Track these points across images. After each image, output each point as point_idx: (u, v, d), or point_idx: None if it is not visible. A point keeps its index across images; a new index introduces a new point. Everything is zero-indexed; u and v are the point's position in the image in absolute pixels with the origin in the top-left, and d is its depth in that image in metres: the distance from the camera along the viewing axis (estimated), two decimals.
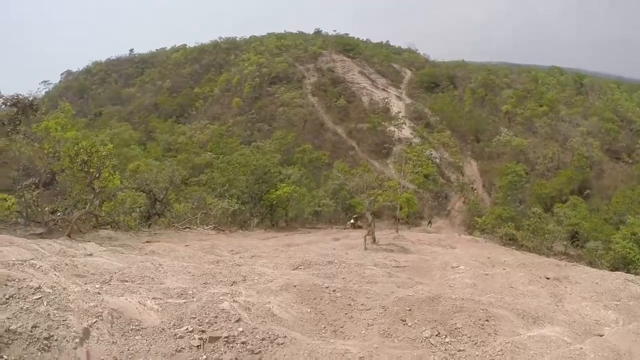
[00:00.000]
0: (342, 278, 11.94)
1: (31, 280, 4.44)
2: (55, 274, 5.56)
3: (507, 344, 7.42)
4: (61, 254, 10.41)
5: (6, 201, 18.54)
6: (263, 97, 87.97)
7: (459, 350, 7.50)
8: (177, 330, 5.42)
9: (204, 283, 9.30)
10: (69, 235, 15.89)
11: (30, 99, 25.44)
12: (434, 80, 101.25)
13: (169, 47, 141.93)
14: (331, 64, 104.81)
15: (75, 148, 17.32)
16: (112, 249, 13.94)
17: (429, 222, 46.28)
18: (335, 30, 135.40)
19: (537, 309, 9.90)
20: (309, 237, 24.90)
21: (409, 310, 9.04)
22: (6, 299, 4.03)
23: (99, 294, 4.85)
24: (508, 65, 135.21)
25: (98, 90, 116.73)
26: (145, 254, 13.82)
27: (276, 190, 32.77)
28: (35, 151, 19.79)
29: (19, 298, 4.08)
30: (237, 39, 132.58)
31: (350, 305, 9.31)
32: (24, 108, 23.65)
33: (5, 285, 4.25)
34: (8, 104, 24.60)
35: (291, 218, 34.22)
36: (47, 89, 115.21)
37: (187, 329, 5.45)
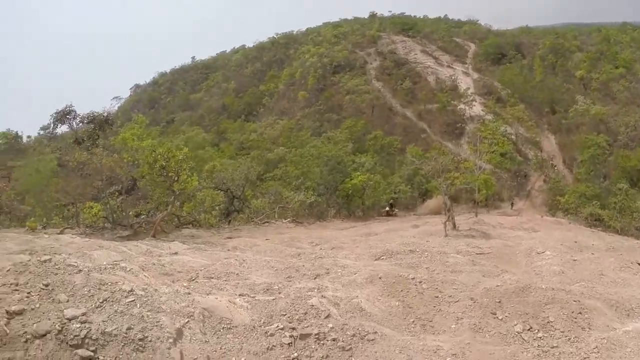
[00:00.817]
0: (426, 268, 11.58)
1: (123, 284, 4.48)
2: (145, 276, 5.62)
3: (603, 339, 6.82)
4: (148, 254, 10.70)
5: (92, 209, 19.53)
6: (328, 87, 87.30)
7: (553, 347, 6.97)
8: (267, 327, 5.35)
9: (288, 277, 9.25)
10: (153, 236, 16.75)
11: (105, 114, 26.99)
12: (499, 51, 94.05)
13: (228, 50, 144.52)
14: (392, 46, 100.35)
15: (153, 155, 18.13)
16: (195, 246, 14.28)
17: (511, 204, 43.73)
18: (391, 11, 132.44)
19: (630, 300, 9.05)
20: (387, 225, 24.53)
21: (499, 302, 8.58)
22: (100, 302, 4.07)
23: (189, 294, 4.82)
24: (576, 25, 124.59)
25: (167, 99, 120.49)
26: (228, 250, 14.03)
27: (351, 180, 32.51)
28: (115, 161, 20.97)
29: (112, 301, 4.10)
30: (294, 32, 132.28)
31: (437, 297, 8.96)
32: (100, 124, 25.18)
33: (99, 289, 4.30)
34: (85, 121, 26.20)
35: (368, 207, 33.89)
36: (119, 104, 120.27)
37: (277, 326, 5.38)
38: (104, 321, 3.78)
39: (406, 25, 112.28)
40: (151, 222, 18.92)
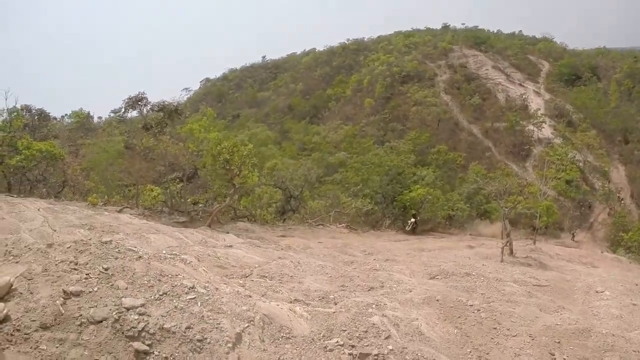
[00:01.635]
0: (481, 294, 11.02)
1: (184, 278, 4.27)
2: (203, 270, 5.42)
3: None
4: (203, 244, 10.65)
5: (152, 192, 20.17)
6: (395, 97, 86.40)
7: None
8: (327, 342, 5.06)
9: (342, 286, 8.94)
10: (209, 225, 16.91)
11: (175, 104, 27.71)
12: (574, 72, 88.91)
13: (299, 52, 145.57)
14: (463, 60, 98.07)
15: (218, 148, 18.38)
16: (249, 241, 14.21)
17: (572, 235, 41.49)
18: (464, 24, 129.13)
19: None
20: (441, 243, 23.81)
21: (558, 342, 7.99)
22: (160, 295, 3.87)
23: (250, 296, 4.59)
24: None
25: (235, 94, 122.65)
26: (282, 248, 13.86)
27: (410, 192, 31.85)
28: (180, 149, 21.44)
29: (173, 296, 3.91)
30: (365, 39, 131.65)
31: (495, 329, 8.46)
32: (169, 113, 25.90)
33: (159, 280, 4.11)
34: (155, 109, 26.99)
35: (424, 221, 33.14)
36: (188, 95, 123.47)
37: (337, 342, 5.09)
38: (162, 316, 3.57)
39: (479, 39, 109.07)
40: (208, 211, 19.30)
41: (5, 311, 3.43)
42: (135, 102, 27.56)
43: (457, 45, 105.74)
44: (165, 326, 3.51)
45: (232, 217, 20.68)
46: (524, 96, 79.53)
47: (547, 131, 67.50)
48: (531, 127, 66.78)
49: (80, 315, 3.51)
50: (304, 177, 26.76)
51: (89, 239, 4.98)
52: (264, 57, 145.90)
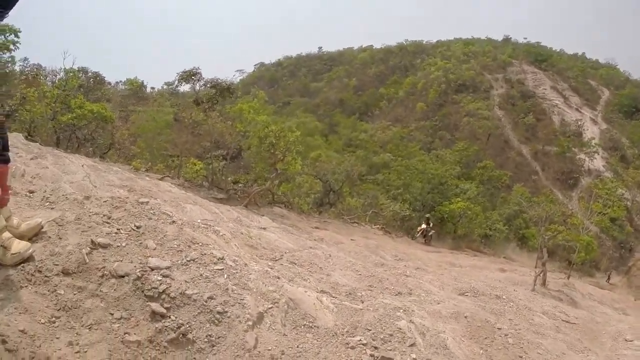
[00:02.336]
0: (509, 319, 10.58)
1: (214, 249, 4.14)
2: (235, 245, 5.30)
3: None
4: (237, 222, 10.57)
5: (195, 165, 20.33)
6: (448, 105, 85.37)
7: None
8: (350, 338, 4.86)
9: (370, 286, 8.70)
10: (246, 206, 16.96)
11: (228, 83, 28.02)
12: (635, 104, 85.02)
13: (356, 47, 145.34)
14: (521, 75, 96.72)
15: (266, 131, 18.49)
16: (283, 227, 14.12)
17: (608, 276, 39.80)
18: (526, 38, 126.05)
19: None
20: (473, 261, 23.20)
21: None
22: (187, 260, 3.75)
23: (279, 278, 4.41)
24: None
25: (288, 81, 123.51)
26: (314, 239, 13.70)
27: (450, 204, 31.27)
28: (227, 128, 21.69)
29: (200, 263, 3.78)
30: (424, 42, 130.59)
31: (521, 357, 8.12)
32: (222, 90, 26.21)
33: (189, 246, 3.99)
34: (208, 85, 27.37)
35: (459, 236, 32.44)
36: (241, 77, 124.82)
37: (360, 340, 4.89)
38: (186, 281, 3.46)
39: (540, 56, 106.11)
40: (247, 192, 19.41)
41: (30, 251, 3.40)
42: (189, 76, 27.94)
43: (516, 59, 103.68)
44: (187, 292, 3.39)
45: (269, 201, 20.77)
46: (579, 122, 77.46)
47: (598, 162, 65.59)
48: (583, 155, 65.07)
49: (104, 267, 3.42)
50: (346, 172, 26.60)
51: (127, 197, 4.91)
52: (320, 48, 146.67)
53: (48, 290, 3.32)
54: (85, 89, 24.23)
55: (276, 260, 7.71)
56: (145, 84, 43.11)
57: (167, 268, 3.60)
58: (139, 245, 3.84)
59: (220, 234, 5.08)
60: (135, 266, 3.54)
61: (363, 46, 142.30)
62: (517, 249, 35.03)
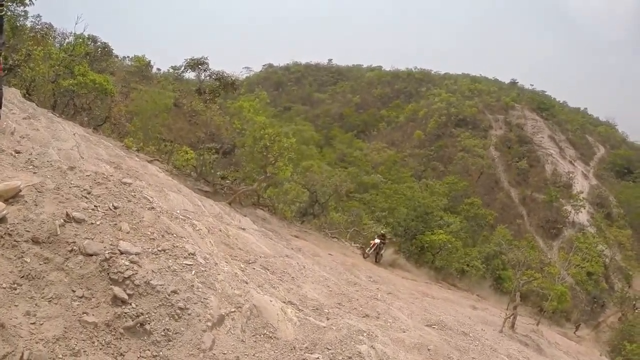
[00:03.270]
0: (472, 357, 10.65)
1: (187, 242, 4.09)
2: (210, 242, 5.24)
3: None
4: (218, 218, 10.55)
5: (187, 154, 20.17)
6: (445, 137, 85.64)
7: None
8: (308, 355, 4.81)
9: (339, 303, 8.71)
10: (229, 203, 16.91)
11: (233, 78, 28.04)
12: (627, 165, 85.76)
13: (365, 65, 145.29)
14: (521, 120, 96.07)
15: (262, 132, 18.41)
16: (263, 231, 14.08)
17: (576, 328, 40.06)
18: (532, 85, 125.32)
19: None
20: (447, 294, 23.35)
21: None
22: (158, 250, 3.70)
23: (247, 282, 4.37)
24: None
25: (292, 87, 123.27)
26: (292, 248, 13.69)
27: (432, 234, 31.28)
28: (224, 123, 21.64)
29: (170, 255, 3.72)
30: (432, 72, 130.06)
31: None
32: (225, 84, 26.28)
33: (162, 236, 3.94)
34: (213, 77, 27.39)
35: (436, 267, 32.40)
36: (247, 74, 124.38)
37: (318, 358, 4.86)
38: (153, 271, 3.40)
39: (543, 105, 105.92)
40: (233, 190, 19.41)
41: (4, 212, 3.34)
42: (196, 64, 28.05)
43: (519, 104, 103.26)
44: (152, 282, 3.34)
45: (253, 203, 20.75)
46: (571, 174, 78.12)
47: (583, 216, 66.07)
48: (569, 207, 65.43)
49: (74, 242, 3.36)
50: (335, 187, 26.59)
51: (111, 175, 4.86)
52: (330, 60, 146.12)
53: (15, 256, 3.27)
54: (92, 57, 24.10)
55: (249, 263, 7.66)
56: (152, 64, 42.82)
57: (137, 254, 3.56)
58: (113, 227, 3.79)
59: (197, 228, 5.03)
60: (105, 247, 3.50)
61: (372, 65, 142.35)
62: (492, 289, 35.05)
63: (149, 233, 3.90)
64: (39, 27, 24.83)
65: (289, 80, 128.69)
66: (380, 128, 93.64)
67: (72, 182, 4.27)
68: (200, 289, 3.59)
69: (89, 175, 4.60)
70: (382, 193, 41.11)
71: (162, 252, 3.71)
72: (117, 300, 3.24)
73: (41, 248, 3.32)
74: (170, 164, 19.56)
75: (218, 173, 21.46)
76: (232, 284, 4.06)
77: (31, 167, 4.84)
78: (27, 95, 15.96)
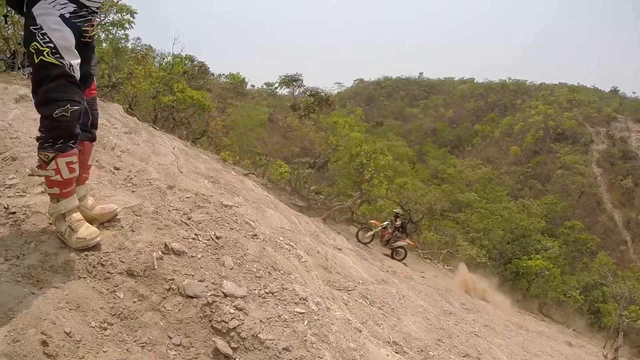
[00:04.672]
0: None
1: (296, 281, 3.58)
2: (316, 275, 4.73)
3: None
4: (314, 237, 10.19)
5: (281, 167, 21.11)
6: (543, 153, 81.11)
7: None
8: None
9: (438, 340, 7.96)
10: (324, 220, 16.72)
11: (328, 94, 28.34)
12: None
13: (457, 78, 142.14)
14: (625, 133, 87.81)
15: (358, 149, 18.17)
16: (357, 250, 13.67)
17: None
18: (635, 93, 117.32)
19: None
20: (541, 327, 21.50)
21: None
22: (266, 292, 3.21)
23: (361, 331, 3.76)
24: None
25: (384, 102, 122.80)
26: (387, 271, 13.10)
27: (529, 259, 29.34)
28: (320, 138, 21.82)
29: (279, 300, 3.21)
30: (527, 82, 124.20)
31: None
32: (320, 100, 26.43)
33: (270, 273, 3.45)
34: (307, 93, 27.70)
35: (531, 295, 30.26)
36: (339, 90, 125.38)
37: None
38: (261, 321, 2.90)
39: None
40: (327, 206, 19.45)
41: (97, 239, 3.04)
42: (291, 80, 28.52)
43: (622, 115, 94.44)
44: (260, 336, 2.83)
45: (347, 219, 20.57)
46: None
47: None
48: None
49: (173, 279, 2.94)
50: (429, 205, 25.77)
51: (210, 196, 4.48)
52: (421, 73, 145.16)
53: (107, 289, 2.88)
54: (189, 75, 25.26)
55: (349, 290, 7.14)
56: (246, 80, 44.16)
57: (243, 298, 3.05)
58: (216, 261, 3.34)
59: (302, 259, 4.52)
60: (207, 287, 3.03)
61: (464, 78, 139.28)
62: (588, 323, 32.15)
63: (255, 269, 3.42)
64: (139, 48, 26.20)
65: (380, 95, 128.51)
66: (475, 143, 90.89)
67: (172, 205, 3.91)
68: (314, 345, 3.03)
69: (188, 197, 4.23)
70: (477, 213, 39.30)
71: (271, 295, 3.19)
72: (219, 355, 2.76)
73: (136, 282, 2.92)
74: (265, 178, 19.78)
75: (312, 188, 21.65)
76: (346, 335, 3.47)
77: (130, 184, 4.59)
78: (129, 109, 16.87)
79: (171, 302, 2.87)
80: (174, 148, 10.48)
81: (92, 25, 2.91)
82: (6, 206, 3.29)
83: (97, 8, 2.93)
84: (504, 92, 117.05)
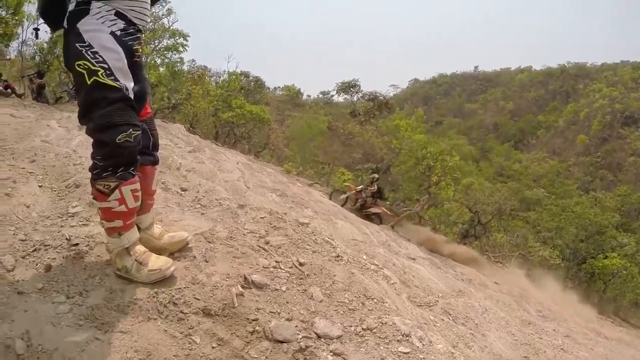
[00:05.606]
0: None
1: (393, 312, 3.11)
2: (407, 299, 4.26)
3: None
4: (386, 247, 9.72)
5: (344, 175, 20.73)
6: (612, 140, 76.14)
7: None
8: None
9: (525, 357, 7.40)
10: (392, 227, 16.19)
11: (387, 98, 28.02)
12: None
13: (513, 68, 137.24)
14: None
15: (423, 152, 17.57)
16: (429, 257, 13.07)
17: None
18: None
19: None
20: (620, 333, 19.62)
21: None
22: (363, 329, 2.78)
23: None
24: None
25: (441, 100, 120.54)
26: (462, 280, 12.42)
27: (604, 259, 27.39)
28: (382, 143, 21.68)
29: (380, 338, 2.78)
30: (588, 64, 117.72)
31: None
32: (379, 105, 26.13)
33: (363, 304, 3.04)
34: (366, 98, 27.51)
35: (608, 297, 28.04)
36: (395, 92, 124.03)
37: None
38: None
39: None
40: (394, 212, 18.90)
41: (172, 269, 2.74)
42: (348, 87, 28.47)
43: None
44: None
45: (415, 224, 19.94)
46: None
47: None
48: None
49: (256, 319, 2.55)
50: (499, 206, 24.61)
51: (285, 214, 4.11)
52: (476, 67, 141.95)
53: (181, 332, 2.49)
54: (246, 91, 25.66)
55: (431, 306, 6.61)
56: (301, 91, 44.41)
57: (339, 338, 2.60)
58: (303, 293, 2.91)
59: (391, 282, 4.07)
60: (297, 328, 2.59)
61: (521, 67, 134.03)
62: None
63: (347, 300, 2.98)
64: (195, 69, 26.78)
65: (436, 93, 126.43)
66: (539, 135, 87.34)
67: (246, 227, 3.56)
68: None
69: (263, 218, 3.87)
70: (547, 210, 37.23)
71: (369, 332, 2.75)
72: None
73: (214, 323, 2.54)
74: (330, 187, 19.58)
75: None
76: None
77: (198, 206, 4.28)
78: (190, 128, 17.09)
79: (257, 348, 2.45)
80: (237, 163, 10.33)
81: (140, 44, 2.58)
82: (68, 237, 2.99)
83: (143, 27, 2.64)
84: (564, 78, 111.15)
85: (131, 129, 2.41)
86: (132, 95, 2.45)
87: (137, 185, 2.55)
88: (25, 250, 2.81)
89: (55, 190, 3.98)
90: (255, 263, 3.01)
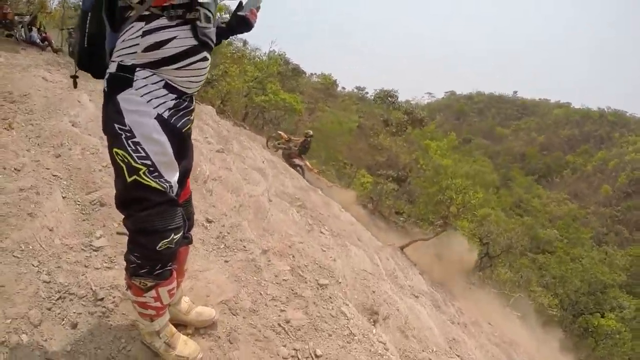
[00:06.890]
0: None
1: None
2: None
3: None
4: (393, 279, 9.61)
5: (364, 178, 21.50)
6: (636, 197, 74.62)
7: None
8: None
9: None
10: (402, 249, 15.99)
11: (422, 115, 28.01)
12: None
13: (552, 100, 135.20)
14: None
15: (448, 182, 17.32)
16: (431, 292, 12.97)
17: None
18: None
19: None
20: None
21: None
22: None
23: None
24: None
25: (474, 118, 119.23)
26: (458, 323, 12.33)
27: (602, 317, 27.14)
28: (408, 155, 21.79)
29: None
30: (627, 114, 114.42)
31: None
32: (414, 120, 26.03)
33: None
34: (402, 111, 27.78)
35: (597, 356, 27.66)
36: (429, 100, 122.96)
37: None
38: None
39: None
40: (406, 230, 19.39)
41: (200, 356, 2.69)
42: (385, 96, 28.43)
43: None
44: None
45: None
46: None
47: None
48: None
49: None
50: (510, 241, 24.41)
51: (306, 266, 4.08)
52: (515, 92, 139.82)
53: None
54: (283, 76, 25.44)
55: (431, 352, 6.66)
56: (337, 82, 44.26)
57: None
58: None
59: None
60: None
61: (560, 101, 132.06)
62: None
63: None
64: (235, 50, 26.88)
65: (471, 110, 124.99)
66: (564, 175, 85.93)
67: (268, 292, 3.50)
68: None
69: (286, 280, 3.82)
70: (556, 256, 36.92)
71: None
72: None
73: None
74: (350, 189, 19.82)
75: (391, 206, 21.31)
76: None
77: (222, 246, 4.20)
78: (221, 105, 17.02)
79: None
80: (263, 162, 10.27)
81: (192, 114, 2.26)
82: (94, 289, 2.93)
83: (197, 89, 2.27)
84: (601, 122, 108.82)
85: (173, 234, 2.18)
86: (175, 191, 2.18)
87: (174, 284, 2.39)
88: (50, 299, 2.75)
89: (79, 205, 3.84)
90: (275, 352, 2.96)
